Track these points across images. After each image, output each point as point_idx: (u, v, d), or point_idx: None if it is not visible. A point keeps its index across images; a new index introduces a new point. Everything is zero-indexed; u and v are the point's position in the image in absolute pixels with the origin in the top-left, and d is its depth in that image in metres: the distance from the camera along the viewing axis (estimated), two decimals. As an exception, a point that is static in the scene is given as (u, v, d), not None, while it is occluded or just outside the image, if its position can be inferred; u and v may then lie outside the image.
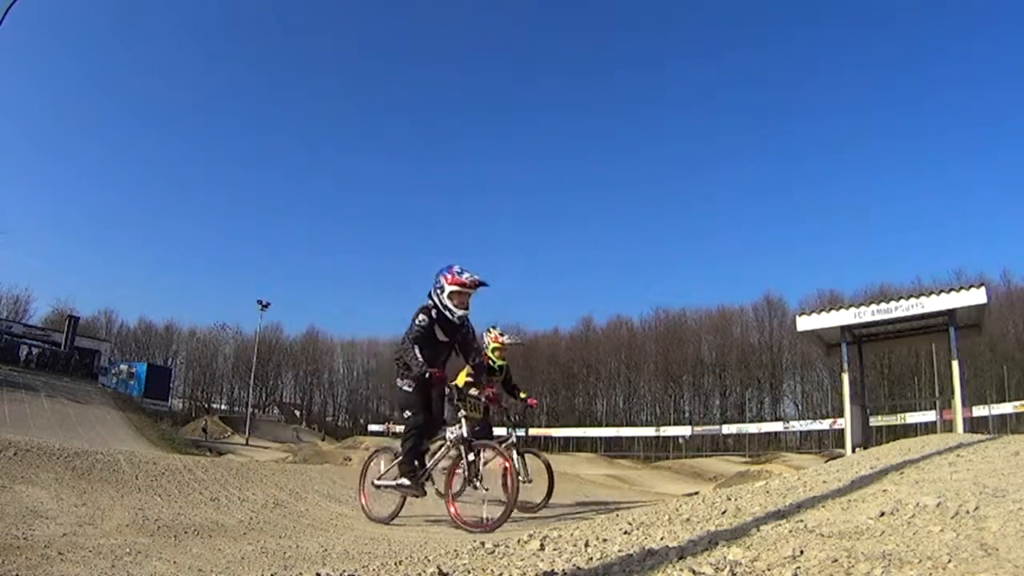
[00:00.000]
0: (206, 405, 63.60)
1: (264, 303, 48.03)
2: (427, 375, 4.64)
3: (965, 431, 11.46)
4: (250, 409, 51.02)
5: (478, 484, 4.62)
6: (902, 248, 77.64)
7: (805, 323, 13.80)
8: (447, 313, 4.82)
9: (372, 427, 62.13)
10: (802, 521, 1.81)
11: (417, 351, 4.68)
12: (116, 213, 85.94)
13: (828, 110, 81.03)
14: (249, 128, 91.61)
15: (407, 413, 4.86)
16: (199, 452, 27.76)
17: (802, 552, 1.47)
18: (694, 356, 59.50)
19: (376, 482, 5.23)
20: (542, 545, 2.03)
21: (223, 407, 63.25)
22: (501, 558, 1.90)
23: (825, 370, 51.46)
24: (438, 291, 4.83)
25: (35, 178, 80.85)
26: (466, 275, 4.82)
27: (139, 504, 4.71)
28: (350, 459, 33.89)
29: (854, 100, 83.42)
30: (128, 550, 3.25)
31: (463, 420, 4.75)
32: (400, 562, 1.98)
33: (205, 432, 44.49)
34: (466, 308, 4.86)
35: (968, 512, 1.61)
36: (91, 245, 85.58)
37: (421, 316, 4.79)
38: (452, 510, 4.63)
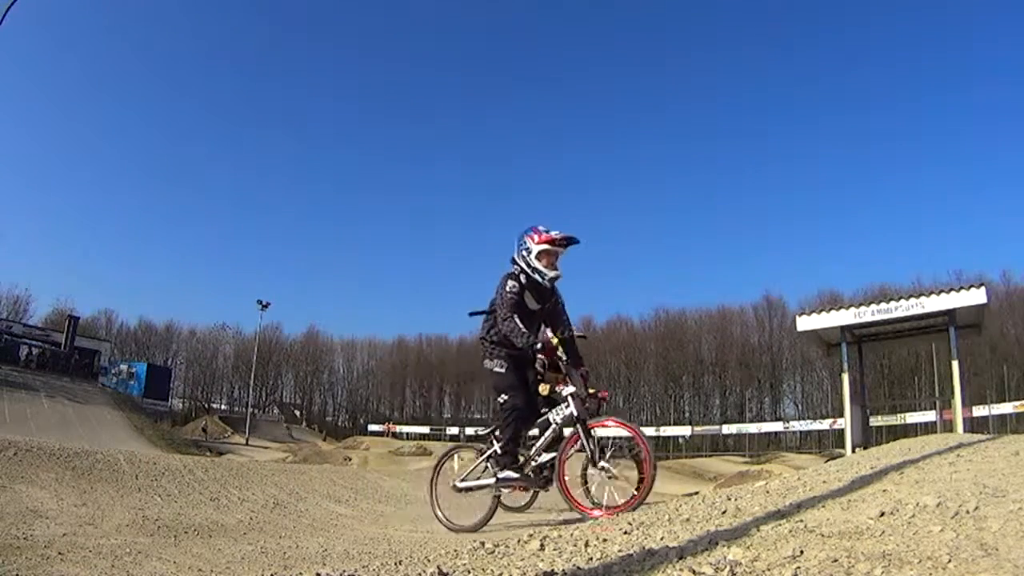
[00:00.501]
0: (206, 405, 63.61)
1: (264, 303, 48.04)
2: (535, 348, 4.14)
3: (965, 431, 11.46)
4: (250, 409, 51.02)
5: (604, 465, 4.04)
6: (902, 248, 77.72)
7: (805, 323, 13.81)
8: (537, 277, 4.33)
9: (372, 427, 62.12)
10: (802, 521, 1.81)
11: (518, 321, 4.19)
12: (116, 213, 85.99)
13: (828, 110, 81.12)
14: (249, 128, 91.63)
15: (503, 397, 4.34)
16: (199, 452, 27.77)
17: (802, 552, 1.47)
18: (694, 356, 59.52)
19: (459, 484, 4.63)
20: (542, 545, 2.03)
21: (223, 407, 63.26)
22: (501, 558, 1.90)
23: (825, 370, 51.48)
24: (524, 254, 4.36)
25: (35, 178, 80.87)
26: (555, 231, 4.35)
27: (139, 504, 4.71)
28: (350, 459, 33.92)
29: (854, 100, 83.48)
30: (128, 550, 3.25)
31: (571, 398, 4.25)
32: (400, 562, 1.98)
33: (205, 432, 44.50)
34: (557, 270, 4.37)
35: (968, 512, 1.61)
36: (91, 245, 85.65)
37: (510, 283, 4.29)
38: (572, 498, 4.12)
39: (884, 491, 2.10)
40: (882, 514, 1.72)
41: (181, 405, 61.21)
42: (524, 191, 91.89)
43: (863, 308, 13.18)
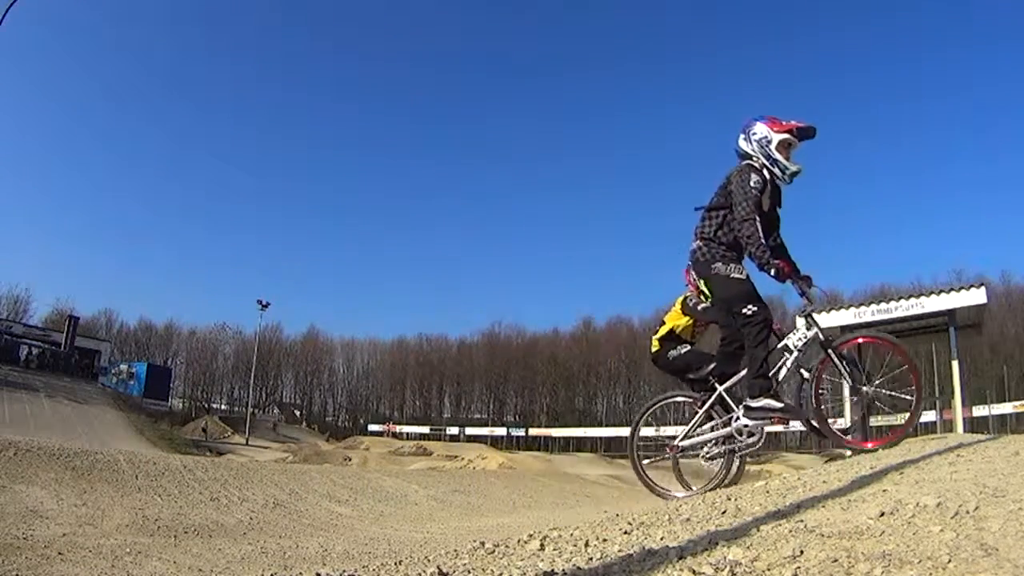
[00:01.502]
0: (206, 405, 63.57)
1: (264, 303, 48.05)
2: (773, 268, 3.46)
3: (965, 431, 11.47)
4: (250, 409, 51.00)
5: (866, 389, 3.51)
6: (902, 248, 77.69)
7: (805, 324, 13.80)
8: (777, 171, 3.64)
9: (372, 427, 62.12)
10: (802, 521, 1.81)
11: (760, 226, 3.50)
12: (116, 214, 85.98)
13: (827, 109, 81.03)
14: (249, 128, 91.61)
15: (749, 307, 3.50)
16: (199, 452, 27.75)
17: (802, 552, 1.47)
18: (694, 356, 59.44)
19: (682, 443, 3.91)
20: (542, 545, 2.03)
21: (223, 407, 63.23)
22: (501, 558, 1.90)
23: (825, 370, 51.38)
24: (764, 144, 3.65)
25: (36, 178, 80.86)
26: (793, 120, 3.69)
27: (139, 504, 4.72)
28: (350, 459, 33.91)
29: (854, 99, 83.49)
30: (128, 550, 3.25)
31: (808, 318, 3.67)
32: (400, 562, 1.98)
33: (205, 432, 44.48)
34: (798, 164, 3.67)
35: (968, 512, 1.61)
36: (91, 245, 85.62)
37: (755, 177, 3.57)
38: (835, 432, 3.64)
39: (884, 491, 2.10)
40: (882, 514, 1.72)
41: (181, 405, 61.17)
42: (524, 190, 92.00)
43: (863, 308, 13.19)
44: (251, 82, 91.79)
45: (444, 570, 1.74)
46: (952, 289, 12.32)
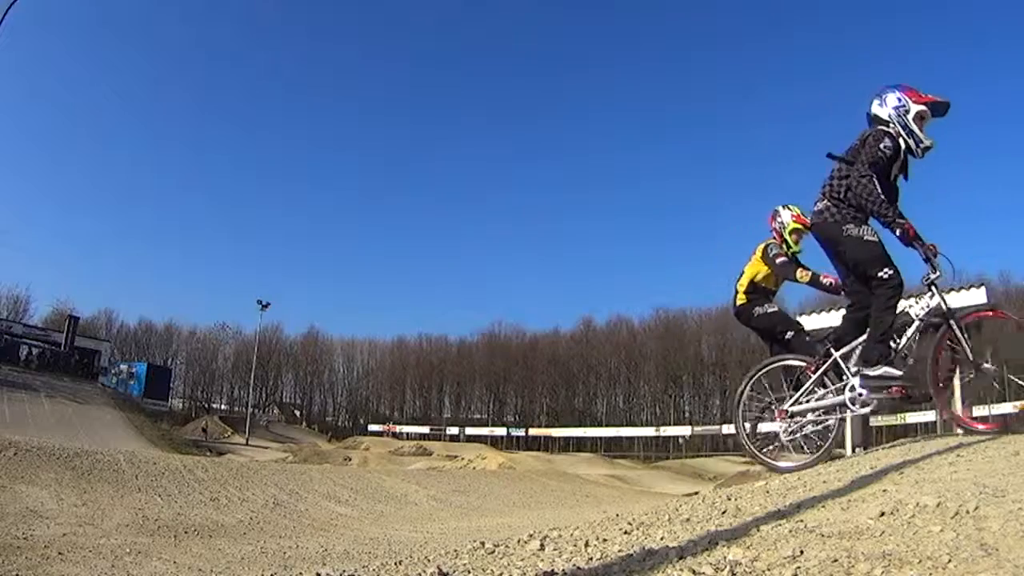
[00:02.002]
0: (206, 405, 63.55)
1: (264, 303, 48.04)
2: (900, 228, 3.35)
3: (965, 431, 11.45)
4: (250, 409, 50.99)
5: (988, 367, 3.36)
6: (902, 247, 77.50)
7: (805, 323, 13.79)
8: (912, 143, 3.51)
9: (372, 427, 62.10)
10: (802, 521, 1.81)
11: (877, 185, 3.39)
12: (116, 213, 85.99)
13: (827, 109, 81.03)
14: (248, 127, 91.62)
15: (886, 271, 3.39)
16: (199, 452, 27.75)
17: (802, 552, 1.47)
18: (694, 356, 59.48)
19: (795, 408, 3.68)
20: (542, 545, 2.03)
21: (223, 407, 63.21)
22: (501, 558, 1.90)
23: (825, 370, 51.39)
24: (901, 112, 3.51)
25: (36, 178, 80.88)
26: (931, 93, 3.54)
27: (139, 504, 4.72)
28: (350, 459, 33.92)
29: (854, 99, 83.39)
30: (128, 550, 3.25)
31: (932, 287, 3.54)
32: (400, 562, 1.98)
33: (205, 432, 44.48)
34: (931, 138, 3.51)
35: (968, 512, 1.61)
36: (91, 245, 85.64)
37: (887, 141, 3.45)
38: (953, 412, 3.51)
39: (884, 491, 2.10)
40: (882, 514, 1.72)
41: (181, 405, 61.15)
42: (524, 190, 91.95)
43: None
44: (251, 82, 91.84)
45: (444, 570, 1.74)
46: (952, 289, 12.32)
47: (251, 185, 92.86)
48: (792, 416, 3.64)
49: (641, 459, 48.94)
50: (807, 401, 3.64)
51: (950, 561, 1.29)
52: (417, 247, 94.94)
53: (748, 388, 3.84)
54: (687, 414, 58.08)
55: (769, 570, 1.40)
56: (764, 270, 4.71)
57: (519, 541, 2.12)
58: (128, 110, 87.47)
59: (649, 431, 54.65)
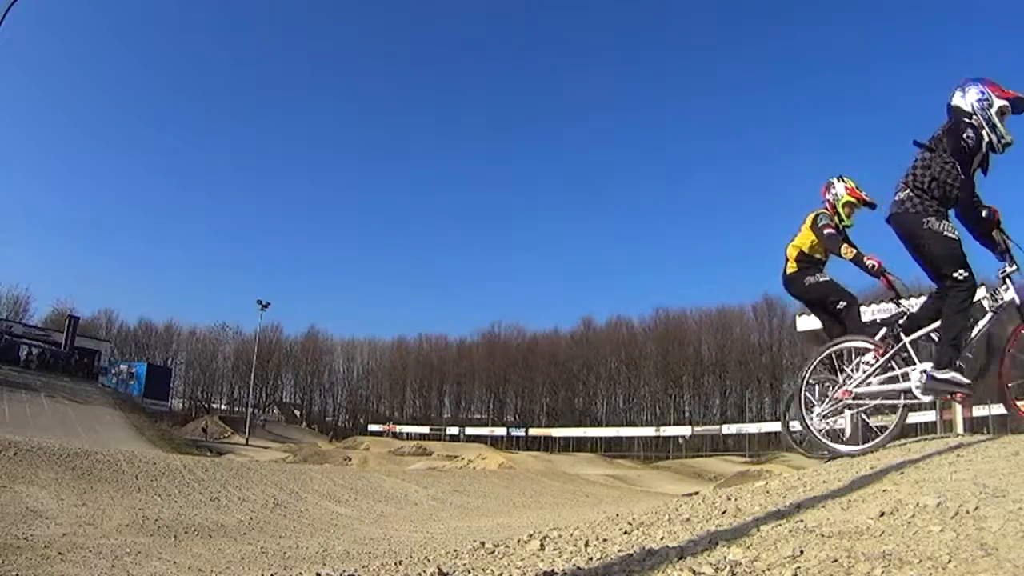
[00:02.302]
0: (206, 405, 63.56)
1: (264, 303, 48.03)
2: (987, 210, 3.31)
3: (965, 431, 11.47)
4: (250, 409, 50.99)
5: None
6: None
7: (805, 323, 13.84)
8: (993, 137, 3.41)
9: (372, 427, 62.10)
10: (802, 521, 1.81)
11: (960, 169, 3.33)
12: (116, 213, 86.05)
13: (827, 109, 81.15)
14: (249, 127, 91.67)
15: (960, 272, 3.29)
16: (199, 452, 27.74)
17: (802, 552, 1.47)
18: (694, 356, 59.50)
19: (859, 390, 3.58)
20: (542, 545, 2.03)
21: (223, 407, 63.22)
22: (501, 558, 1.90)
23: (825, 370, 51.38)
24: (984, 105, 3.43)
25: (35, 178, 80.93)
26: (1013, 89, 3.45)
27: (139, 504, 4.72)
28: (350, 459, 33.91)
29: (854, 98, 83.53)
30: (128, 550, 3.25)
31: (1008, 279, 3.45)
32: (400, 562, 1.98)
33: (205, 432, 44.48)
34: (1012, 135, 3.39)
35: (968, 512, 1.61)
36: (91, 245, 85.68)
37: (970, 132, 3.36)
38: (1018, 408, 3.38)
39: (884, 491, 2.10)
40: (882, 514, 1.72)
41: (181, 405, 61.15)
42: (524, 190, 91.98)
43: (863, 308, 13.18)
44: (252, 82, 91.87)
45: (444, 570, 1.74)
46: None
47: (252, 185, 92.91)
48: (856, 398, 3.57)
49: (641, 459, 48.95)
50: (872, 384, 3.57)
51: (950, 561, 1.29)
52: (417, 247, 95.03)
53: (812, 370, 3.79)
54: (687, 414, 58.09)
55: (769, 570, 1.40)
56: (815, 239, 4.62)
57: (519, 541, 2.12)
58: (128, 109, 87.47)
59: (649, 431, 54.67)
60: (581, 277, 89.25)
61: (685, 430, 53.51)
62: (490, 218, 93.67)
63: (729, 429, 52.82)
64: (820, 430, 3.71)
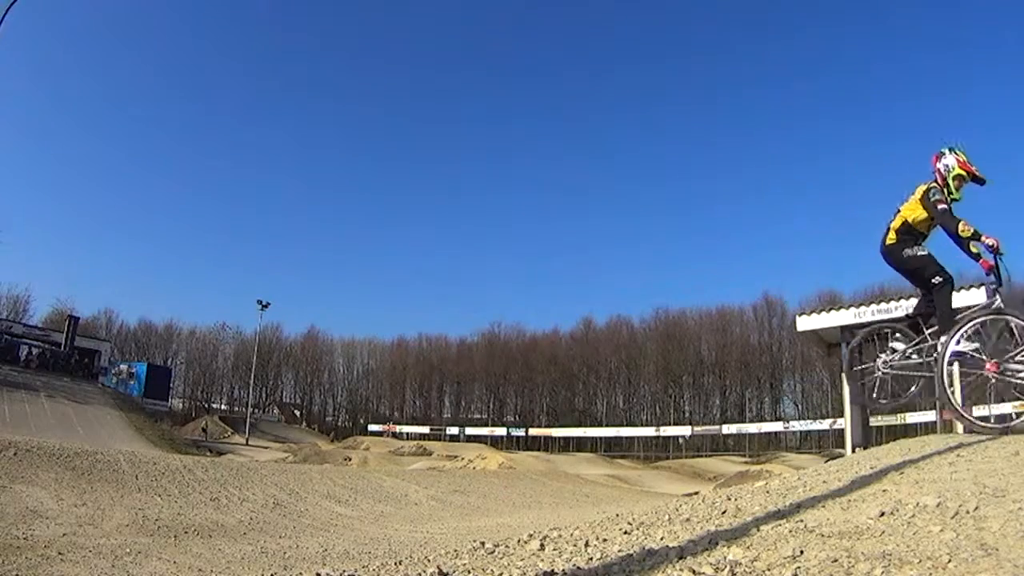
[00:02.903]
0: (206, 405, 63.56)
1: (264, 303, 48.05)
2: None
3: (965, 431, 11.47)
4: (250, 409, 51.00)
5: None
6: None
7: (805, 323, 13.84)
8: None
9: (372, 427, 62.13)
10: (802, 521, 1.81)
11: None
12: (116, 213, 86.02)
13: (827, 110, 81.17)
14: (249, 127, 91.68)
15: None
16: (199, 452, 27.74)
17: (802, 552, 1.47)
18: (694, 356, 59.48)
19: (1010, 365, 3.66)
20: (542, 545, 2.03)
21: (223, 407, 63.22)
22: (501, 558, 1.90)
23: (825, 370, 51.42)
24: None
25: (35, 178, 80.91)
26: None
27: (139, 504, 4.71)
28: (350, 459, 33.92)
29: (853, 100, 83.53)
30: (128, 550, 3.25)
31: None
32: (400, 562, 1.98)
33: (205, 432, 44.48)
34: None
35: (968, 512, 1.61)
36: (91, 245, 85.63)
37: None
38: None
39: (884, 491, 2.10)
40: (882, 514, 1.72)
41: (181, 405, 61.12)
42: (524, 190, 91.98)
43: (863, 308, 13.20)
44: (252, 81, 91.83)
45: (444, 570, 1.74)
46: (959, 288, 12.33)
47: (251, 184, 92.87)
48: (1003, 371, 3.60)
49: (641, 459, 48.95)
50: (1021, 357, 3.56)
51: (950, 561, 1.29)
52: (417, 247, 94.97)
53: (957, 341, 3.80)
54: (687, 414, 58.07)
55: (769, 570, 1.40)
56: (921, 213, 4.44)
57: (519, 541, 2.12)
58: (128, 108, 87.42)
59: (649, 431, 54.66)
60: (581, 277, 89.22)
61: (685, 430, 53.51)
62: (490, 217, 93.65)
63: (729, 429, 52.81)
64: (963, 406, 3.72)
